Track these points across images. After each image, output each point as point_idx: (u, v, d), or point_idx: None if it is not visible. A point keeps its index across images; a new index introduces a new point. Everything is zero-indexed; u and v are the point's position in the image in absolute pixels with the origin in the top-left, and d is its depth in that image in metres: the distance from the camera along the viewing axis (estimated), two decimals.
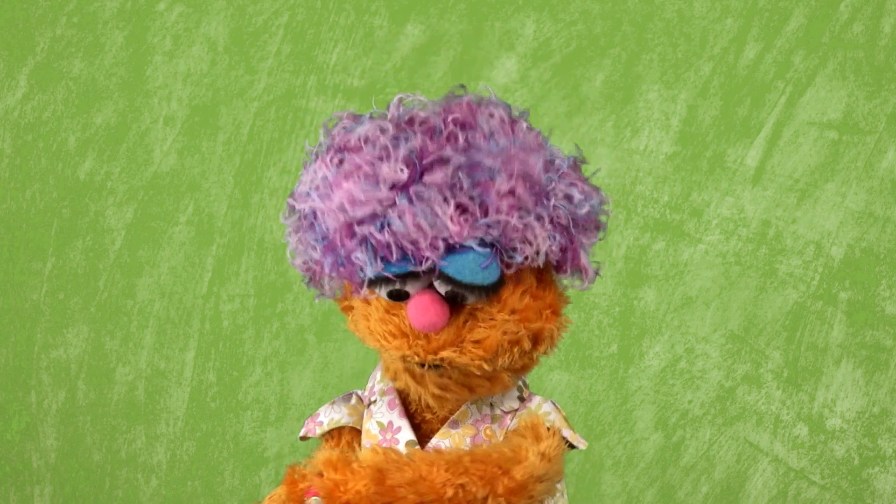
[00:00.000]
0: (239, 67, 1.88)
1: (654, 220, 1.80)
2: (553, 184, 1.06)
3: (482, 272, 1.04)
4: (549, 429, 1.09)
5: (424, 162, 1.03)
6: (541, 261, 1.05)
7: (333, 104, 1.86)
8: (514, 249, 1.04)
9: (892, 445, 1.77)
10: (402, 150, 1.03)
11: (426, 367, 1.06)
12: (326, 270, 1.06)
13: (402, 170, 1.03)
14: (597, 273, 1.11)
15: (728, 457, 1.80)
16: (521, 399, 1.14)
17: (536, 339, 1.08)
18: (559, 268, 1.09)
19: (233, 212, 1.88)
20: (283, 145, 1.87)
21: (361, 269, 1.04)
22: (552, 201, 1.06)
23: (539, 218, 1.05)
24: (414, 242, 1.03)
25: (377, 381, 1.15)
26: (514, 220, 1.03)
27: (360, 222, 1.04)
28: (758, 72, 1.78)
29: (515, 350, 1.07)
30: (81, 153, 1.91)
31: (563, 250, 1.07)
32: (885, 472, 1.77)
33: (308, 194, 1.07)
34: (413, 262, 1.03)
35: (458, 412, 1.11)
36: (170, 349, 1.89)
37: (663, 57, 1.80)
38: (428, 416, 1.12)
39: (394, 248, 1.03)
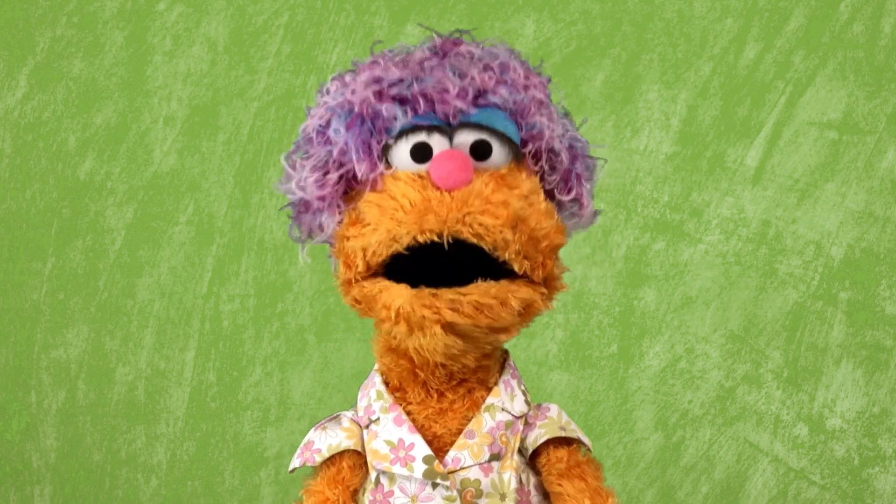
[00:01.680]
0: (239, 67, 1.88)
1: (654, 220, 1.80)
2: (556, 108, 1.09)
3: (509, 124, 1.05)
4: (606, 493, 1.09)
5: (448, 46, 1.07)
6: (560, 162, 1.06)
7: None
8: (532, 126, 1.05)
9: (892, 445, 1.77)
10: (425, 46, 1.07)
11: (442, 238, 1.01)
12: (352, 146, 1.04)
13: (427, 51, 1.06)
14: (596, 213, 1.11)
15: (728, 457, 1.80)
16: (528, 403, 1.13)
17: (536, 245, 1.06)
18: (557, 192, 1.08)
19: (233, 212, 1.88)
20: (283, 145, 1.87)
21: (388, 128, 1.04)
22: (556, 118, 1.08)
23: (550, 118, 1.07)
24: (443, 91, 1.03)
25: (373, 400, 1.11)
26: (533, 97, 1.06)
27: (391, 84, 1.05)
28: (758, 72, 1.78)
29: (524, 240, 1.04)
30: (81, 153, 1.91)
31: (565, 174, 1.09)
32: (885, 472, 1.77)
33: (321, 105, 1.08)
34: (441, 116, 1.04)
35: (471, 421, 1.09)
36: (170, 349, 1.89)
37: (663, 57, 1.80)
38: (438, 429, 1.09)
39: (421, 99, 1.04)
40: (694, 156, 1.80)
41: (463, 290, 1.03)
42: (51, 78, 1.90)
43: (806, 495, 1.78)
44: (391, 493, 1.09)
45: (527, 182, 1.05)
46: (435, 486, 1.08)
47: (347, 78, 1.08)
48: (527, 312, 1.06)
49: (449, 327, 1.03)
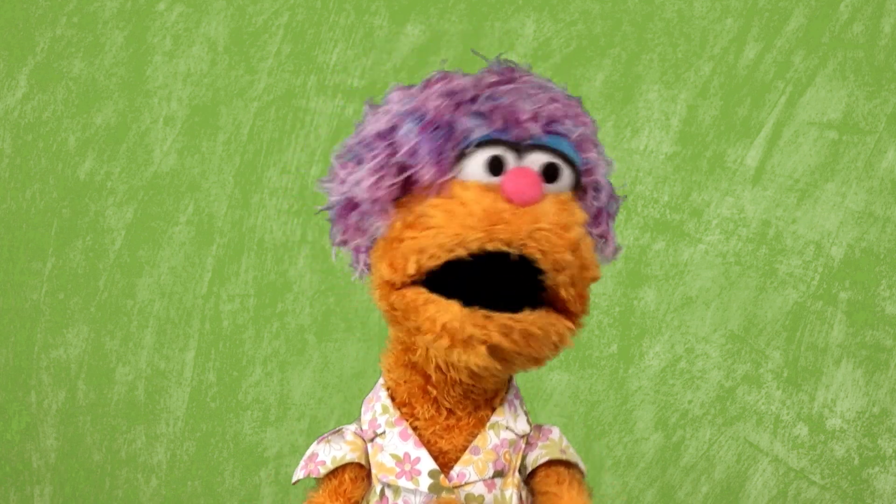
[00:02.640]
0: (239, 67, 1.88)
1: (654, 220, 1.80)
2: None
3: (576, 154, 1.08)
4: None
5: (511, 73, 1.10)
6: (600, 199, 1.10)
7: (333, 104, 1.86)
8: (587, 161, 1.09)
9: (892, 445, 1.77)
10: (487, 71, 1.11)
11: (512, 246, 1.03)
12: (424, 149, 1.06)
13: (494, 76, 1.09)
14: (617, 250, 1.14)
15: (728, 457, 1.80)
16: (529, 423, 1.14)
17: (583, 274, 1.08)
18: (588, 226, 1.10)
19: (233, 212, 1.88)
20: (283, 145, 1.87)
21: (464, 138, 1.05)
22: (603, 156, 1.12)
23: (599, 155, 1.11)
24: (518, 112, 1.06)
25: (379, 414, 1.12)
26: (588, 134, 1.10)
27: (466, 99, 1.07)
28: (758, 72, 1.78)
29: (576, 266, 1.06)
30: (81, 153, 1.91)
31: (598, 210, 1.12)
32: (885, 472, 1.77)
33: (384, 111, 1.10)
34: (511, 135, 1.06)
35: (477, 438, 1.10)
36: (170, 349, 1.89)
37: (663, 57, 1.80)
38: (444, 445, 1.10)
39: (498, 115, 1.06)
40: (694, 156, 1.80)
41: (515, 317, 1.04)
42: (51, 78, 1.90)
43: (806, 495, 1.78)
44: None
45: (580, 212, 1.08)
46: (446, 496, 1.09)
47: (413, 89, 1.11)
48: (558, 346, 1.08)
49: (494, 350, 1.04)
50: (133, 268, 1.90)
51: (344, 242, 1.11)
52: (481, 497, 1.09)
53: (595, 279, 1.09)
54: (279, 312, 1.88)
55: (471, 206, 1.03)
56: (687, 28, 1.79)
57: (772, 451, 1.78)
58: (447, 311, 1.03)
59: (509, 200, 1.04)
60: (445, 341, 1.04)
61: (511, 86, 1.09)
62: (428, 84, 1.10)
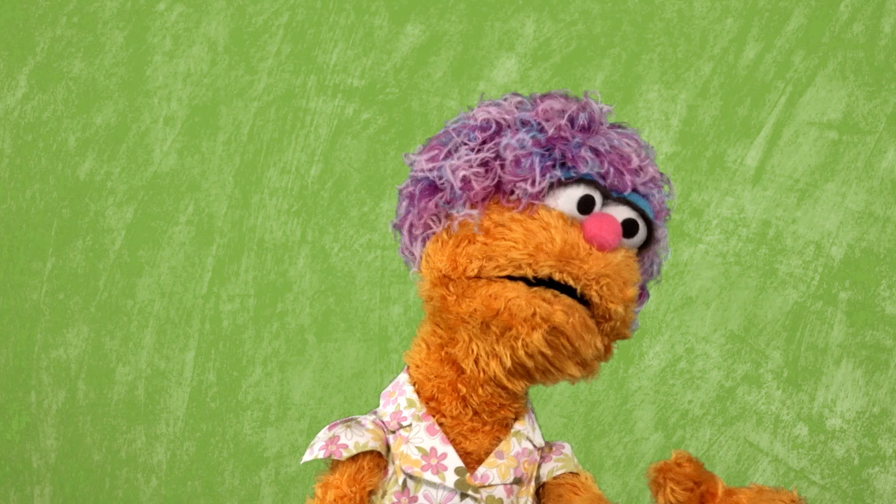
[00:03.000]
0: (239, 67, 1.88)
1: None
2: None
3: (653, 215, 1.11)
4: None
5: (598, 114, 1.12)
6: (653, 271, 1.15)
7: (333, 104, 1.86)
8: (657, 228, 1.12)
9: (892, 445, 1.77)
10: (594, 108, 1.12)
11: (577, 285, 1.05)
12: (533, 164, 1.07)
13: (604, 121, 1.11)
14: (643, 300, 1.17)
15: (728, 457, 1.80)
16: (542, 438, 1.15)
17: (625, 322, 1.11)
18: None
19: (233, 212, 1.88)
20: (283, 145, 1.87)
21: (574, 167, 1.07)
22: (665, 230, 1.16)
23: (664, 224, 1.15)
24: (627, 162, 1.09)
25: (404, 407, 1.12)
26: (664, 205, 1.13)
27: (585, 129, 1.09)
28: (758, 72, 1.78)
29: (619, 321, 1.09)
30: (81, 153, 1.91)
31: (645, 272, 1.15)
32: (885, 472, 1.77)
33: (497, 106, 1.10)
34: (607, 181, 1.09)
35: (501, 442, 1.11)
36: (170, 349, 1.90)
37: (663, 57, 1.80)
38: (468, 446, 1.11)
39: (611, 159, 1.08)
40: (694, 156, 1.80)
41: (578, 304, 1.07)
42: (51, 78, 1.90)
43: (806, 495, 1.78)
44: (416, 498, 1.10)
45: (638, 273, 1.12)
46: (463, 497, 1.10)
47: (527, 99, 1.12)
48: (594, 359, 1.11)
49: (553, 333, 1.06)
50: (133, 268, 1.90)
51: (403, 223, 1.12)
52: (500, 500, 1.11)
53: (623, 338, 1.13)
54: (279, 312, 1.88)
55: (553, 234, 1.06)
56: (687, 28, 1.79)
57: (772, 451, 1.79)
58: (513, 289, 1.06)
59: (589, 241, 1.07)
60: (506, 317, 1.06)
61: (624, 132, 1.11)
62: (543, 99, 1.11)
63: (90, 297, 1.90)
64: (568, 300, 1.06)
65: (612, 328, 1.09)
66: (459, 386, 1.11)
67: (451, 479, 1.10)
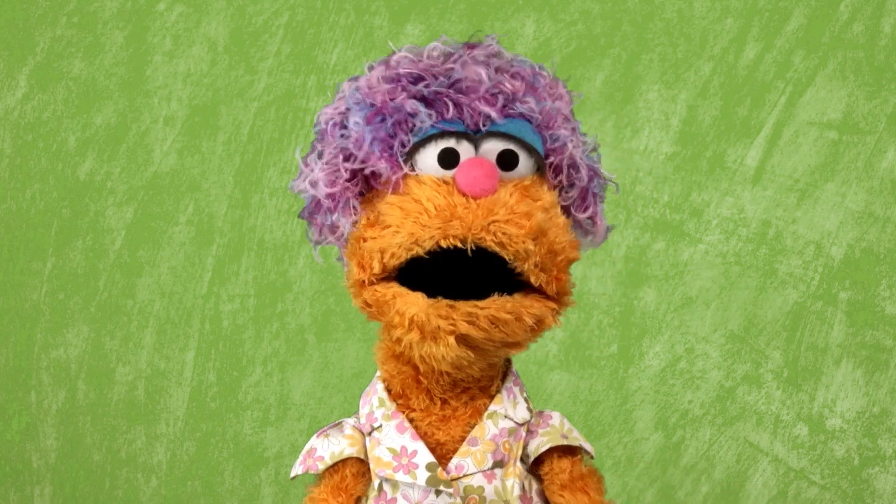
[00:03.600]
0: (239, 67, 1.88)
1: (654, 220, 1.80)
2: (578, 124, 1.09)
3: (535, 136, 1.05)
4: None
5: (472, 45, 1.06)
6: (580, 178, 1.06)
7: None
8: (556, 139, 1.05)
9: (892, 445, 1.77)
10: (442, 45, 1.06)
11: (466, 243, 1.01)
12: (366, 145, 1.03)
13: (450, 49, 1.05)
14: (608, 230, 1.11)
15: (728, 457, 1.80)
16: (530, 410, 1.12)
17: (553, 259, 1.05)
18: (574, 208, 1.09)
19: (233, 212, 1.88)
20: (283, 145, 1.87)
21: (412, 129, 1.03)
22: (578, 133, 1.09)
23: (573, 133, 1.07)
24: (472, 92, 1.03)
25: (376, 407, 1.11)
26: (559, 109, 1.06)
27: (415, 80, 1.04)
28: (758, 72, 1.78)
29: (543, 252, 1.03)
30: (81, 153, 1.91)
31: (582, 191, 1.09)
32: (885, 472, 1.77)
33: (337, 101, 1.07)
34: (468, 121, 1.03)
35: (475, 428, 1.09)
36: (170, 349, 1.89)
37: (663, 57, 1.80)
38: (441, 436, 1.09)
39: (450, 102, 1.03)
40: (694, 156, 1.80)
41: (480, 303, 1.03)
42: (51, 78, 1.90)
43: (806, 495, 1.78)
44: (394, 500, 1.09)
45: (548, 195, 1.06)
46: (438, 493, 1.07)
47: (362, 79, 1.08)
48: (538, 328, 1.06)
49: (462, 339, 1.03)
50: (133, 268, 1.90)
51: (318, 242, 1.10)
52: (481, 488, 1.08)
53: (572, 261, 1.08)
54: (279, 312, 1.88)
55: (424, 203, 1.02)
56: (687, 28, 1.79)
57: (772, 451, 1.78)
58: (413, 304, 1.02)
59: (463, 194, 1.02)
60: (416, 335, 1.03)
61: (461, 63, 1.05)
62: (371, 69, 1.08)
63: (90, 297, 1.90)
64: (467, 307, 1.02)
65: (540, 263, 1.04)
66: (421, 379, 1.09)
67: (422, 476, 1.07)
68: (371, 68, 1.08)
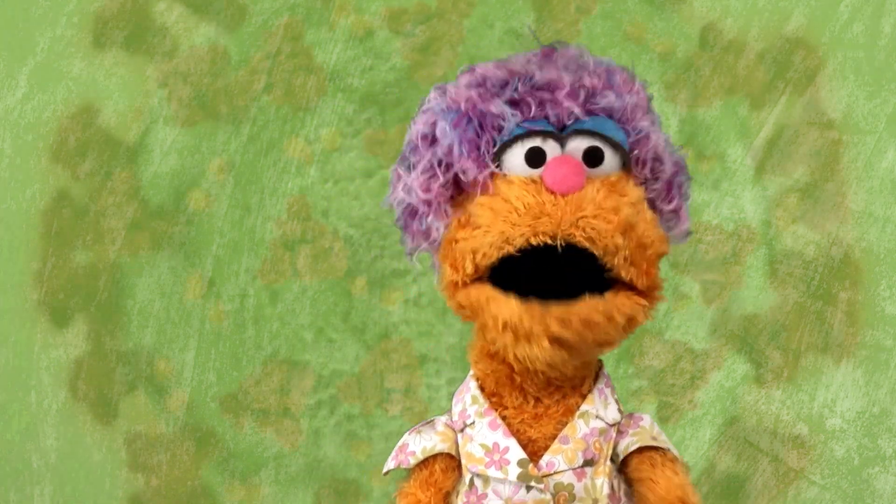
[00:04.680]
0: (239, 68, 1.88)
1: None
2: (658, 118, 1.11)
3: (619, 132, 1.07)
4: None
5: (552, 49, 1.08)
6: (664, 171, 1.08)
7: (333, 104, 1.86)
8: (639, 131, 1.07)
9: (892, 445, 1.77)
10: (522, 55, 1.09)
11: (556, 239, 1.02)
12: (455, 148, 1.05)
13: (531, 54, 1.08)
14: (689, 232, 1.13)
15: (728, 457, 1.80)
16: (620, 412, 1.14)
17: (643, 253, 1.07)
18: (659, 201, 1.10)
19: (233, 212, 1.88)
20: (282, 145, 1.87)
21: (499, 129, 1.05)
22: (659, 125, 1.11)
23: (653, 124, 1.09)
24: (554, 89, 1.05)
25: (468, 405, 1.12)
26: (637, 103, 1.08)
27: (496, 84, 1.06)
28: (758, 72, 1.78)
29: (632, 246, 1.05)
30: (81, 153, 1.91)
31: (667, 184, 1.10)
32: (885, 472, 1.77)
33: (424, 113, 1.09)
34: (552, 120, 1.05)
35: (566, 426, 1.11)
36: (170, 349, 1.89)
37: (663, 57, 1.80)
38: (533, 434, 1.11)
39: (532, 102, 1.05)
40: (694, 156, 1.80)
41: (572, 305, 1.04)
42: (51, 78, 1.90)
43: (806, 495, 1.78)
44: (485, 495, 1.10)
45: (635, 190, 1.08)
46: (529, 489, 1.09)
47: (449, 86, 1.10)
48: (629, 325, 1.08)
49: (557, 342, 1.04)
50: (133, 268, 1.90)
51: (415, 250, 1.13)
52: (570, 486, 1.10)
53: (661, 255, 1.10)
54: (279, 312, 1.88)
55: (513, 202, 1.04)
56: (687, 28, 1.79)
57: (772, 451, 1.78)
58: (506, 308, 1.04)
59: (551, 192, 1.04)
60: (509, 338, 1.05)
61: (545, 64, 1.08)
62: (459, 76, 1.10)
63: (90, 297, 1.90)
64: (559, 310, 1.04)
65: (629, 258, 1.06)
66: (515, 377, 1.10)
67: (513, 472, 1.09)
68: (460, 75, 1.11)
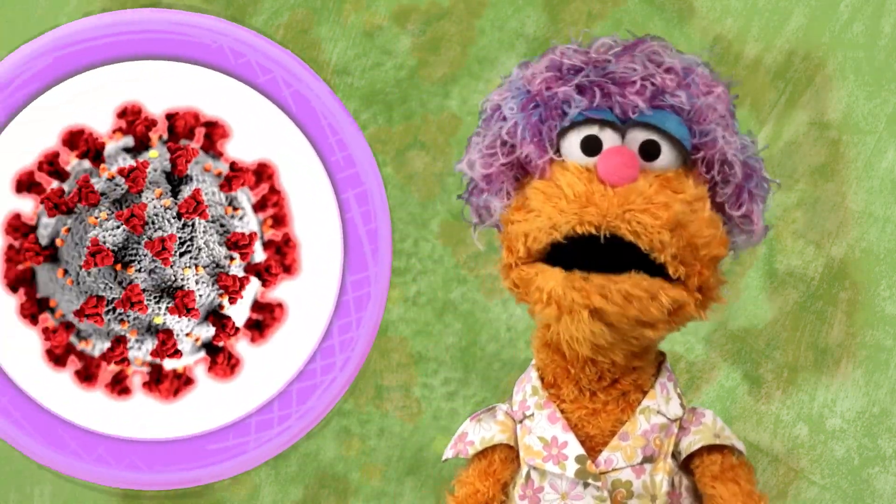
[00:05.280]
0: None
1: None
2: (736, 123, 1.12)
3: (682, 129, 1.06)
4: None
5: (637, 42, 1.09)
6: (734, 176, 1.07)
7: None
8: (706, 133, 1.06)
9: (892, 445, 1.77)
10: (612, 39, 1.09)
11: (600, 230, 1.02)
12: (519, 130, 1.06)
13: (613, 42, 1.08)
14: (766, 229, 1.12)
15: None
16: (683, 406, 1.13)
17: (695, 253, 1.06)
18: (728, 206, 1.10)
19: None
20: None
21: (562, 114, 1.05)
22: (735, 131, 1.10)
23: (727, 129, 1.09)
24: (624, 83, 1.04)
25: (528, 395, 1.12)
26: (711, 105, 1.07)
27: (570, 70, 1.06)
28: (758, 72, 1.78)
29: (681, 245, 1.05)
30: None
31: (737, 188, 1.09)
32: (885, 472, 1.77)
33: (503, 85, 1.10)
34: (617, 111, 1.05)
35: (626, 423, 1.10)
36: None
37: None
38: (591, 430, 1.10)
39: (598, 91, 1.05)
40: None
41: (615, 277, 1.04)
42: None
43: (806, 495, 1.78)
44: (541, 489, 1.10)
45: (693, 188, 1.07)
46: (586, 485, 1.09)
47: (532, 64, 1.11)
48: (677, 314, 1.08)
49: (596, 313, 1.04)
50: None
51: (477, 225, 1.13)
52: (629, 483, 1.09)
53: (718, 257, 1.09)
54: None
55: (564, 189, 1.04)
56: (687, 28, 1.79)
57: (772, 451, 1.78)
58: (550, 278, 1.04)
59: (602, 182, 1.04)
60: (553, 310, 1.05)
61: (622, 54, 1.07)
62: (542, 56, 1.10)
63: None
64: (600, 279, 1.04)
65: (678, 255, 1.05)
66: (570, 368, 1.11)
67: (571, 468, 1.09)
68: (544, 55, 1.11)
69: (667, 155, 1.06)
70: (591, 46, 1.09)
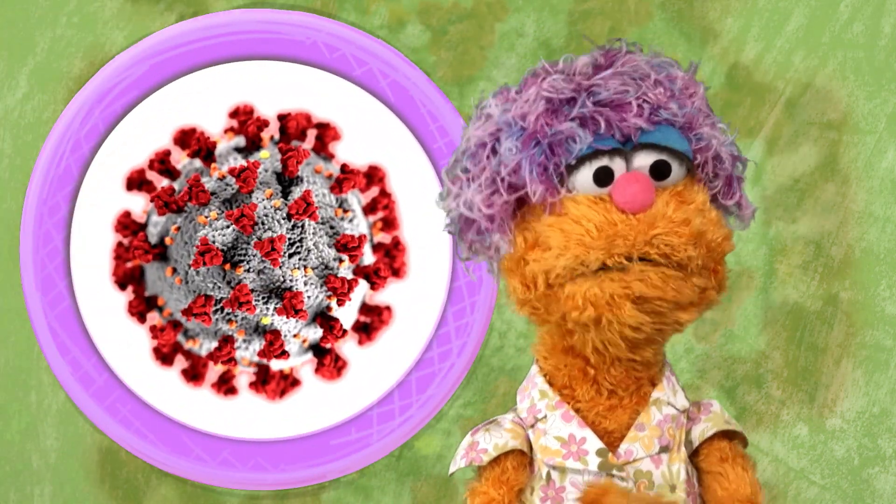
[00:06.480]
0: None
1: None
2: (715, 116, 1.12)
3: (683, 140, 1.07)
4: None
5: (612, 55, 1.09)
6: (725, 168, 1.10)
7: None
8: (701, 138, 1.08)
9: (892, 445, 1.77)
10: (586, 58, 1.09)
11: (632, 260, 1.04)
12: (524, 170, 1.05)
13: (594, 61, 1.08)
14: (754, 211, 1.16)
15: None
16: (687, 398, 1.16)
17: (712, 255, 1.09)
18: (721, 197, 1.12)
19: None
20: None
21: (569, 150, 1.04)
22: (718, 125, 1.12)
23: (713, 128, 1.10)
24: (621, 107, 1.04)
25: (537, 399, 1.13)
26: (699, 108, 1.08)
27: (563, 102, 1.05)
28: (758, 72, 1.78)
29: (704, 253, 1.07)
30: None
31: (727, 179, 1.12)
32: (885, 472, 1.77)
33: (484, 118, 1.09)
34: (617, 136, 1.05)
35: (640, 415, 1.11)
36: None
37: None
38: (608, 425, 1.11)
39: (601, 119, 1.05)
40: None
41: (647, 264, 1.05)
42: (51, 78, 1.90)
43: (806, 495, 1.78)
44: (563, 488, 1.10)
45: (700, 194, 1.09)
46: (609, 478, 1.09)
47: (512, 92, 1.10)
48: (702, 300, 1.11)
49: (640, 301, 1.05)
50: None
51: (469, 258, 1.13)
52: (649, 473, 1.10)
53: (727, 252, 1.11)
54: None
55: (584, 224, 1.04)
56: (687, 28, 1.79)
57: (772, 451, 1.78)
58: (582, 283, 1.04)
59: (621, 210, 1.05)
60: (591, 311, 1.05)
61: (609, 75, 1.07)
62: (524, 86, 1.10)
63: None
64: (635, 267, 1.04)
65: (702, 263, 1.07)
66: (589, 370, 1.11)
67: (593, 462, 1.09)
68: (526, 83, 1.10)
69: (676, 170, 1.08)
70: (572, 69, 1.08)
